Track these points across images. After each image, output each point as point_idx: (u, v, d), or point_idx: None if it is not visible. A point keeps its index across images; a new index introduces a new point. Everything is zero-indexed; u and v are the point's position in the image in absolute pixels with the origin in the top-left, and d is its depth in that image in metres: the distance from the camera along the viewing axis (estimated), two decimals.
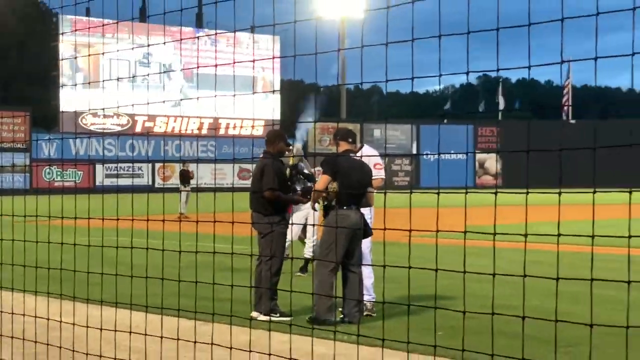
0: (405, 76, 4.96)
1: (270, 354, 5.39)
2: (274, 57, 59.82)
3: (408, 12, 5.06)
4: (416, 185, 67.64)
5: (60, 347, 7.16)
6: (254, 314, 10.76)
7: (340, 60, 70.55)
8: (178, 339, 6.06)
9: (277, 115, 71.29)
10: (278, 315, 10.88)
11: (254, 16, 6.08)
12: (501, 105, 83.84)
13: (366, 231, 10.77)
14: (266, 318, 10.48)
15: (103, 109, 63.14)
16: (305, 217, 15.51)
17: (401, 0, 4.93)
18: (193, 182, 37.26)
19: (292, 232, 15.33)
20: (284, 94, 73.98)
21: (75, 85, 61.02)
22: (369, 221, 11.05)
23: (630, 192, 4.23)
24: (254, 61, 5.65)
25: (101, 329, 6.62)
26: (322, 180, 10.69)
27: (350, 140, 11.22)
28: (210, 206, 6.05)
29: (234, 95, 5.54)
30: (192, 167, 39.45)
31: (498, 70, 4.36)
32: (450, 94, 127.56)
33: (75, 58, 60.59)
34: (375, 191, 11.41)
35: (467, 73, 4.44)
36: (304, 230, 16.11)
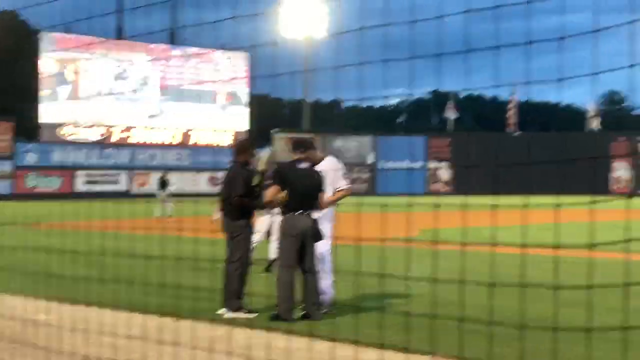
0: (365, 91, 4.99)
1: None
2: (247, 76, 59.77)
3: (367, 31, 5.08)
4: (372, 193, 67.70)
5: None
6: (222, 311, 10.74)
7: (304, 77, 70.60)
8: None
9: (245, 127, 71.24)
10: (246, 311, 10.85)
11: (224, 35, 6.06)
12: (452, 117, 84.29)
13: (316, 235, 10.72)
14: (234, 315, 10.48)
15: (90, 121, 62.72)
16: (271, 221, 15.39)
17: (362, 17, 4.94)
18: (170, 188, 37.63)
19: (257, 236, 15.29)
20: (253, 107, 73.83)
21: (56, 99, 60.53)
22: (328, 225, 11.08)
23: (557, 205, 4.26)
24: (248, 77, 5.61)
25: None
26: (270, 191, 10.84)
27: (301, 149, 11.14)
28: (183, 210, 6.03)
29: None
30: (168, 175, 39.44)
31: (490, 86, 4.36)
32: (405, 107, 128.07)
33: (56, 74, 60.22)
34: (338, 195, 11.42)
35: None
36: (267, 233, 16.04)
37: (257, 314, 10.36)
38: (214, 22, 5.67)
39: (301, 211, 10.69)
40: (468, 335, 5.24)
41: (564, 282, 4.58)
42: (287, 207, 10.68)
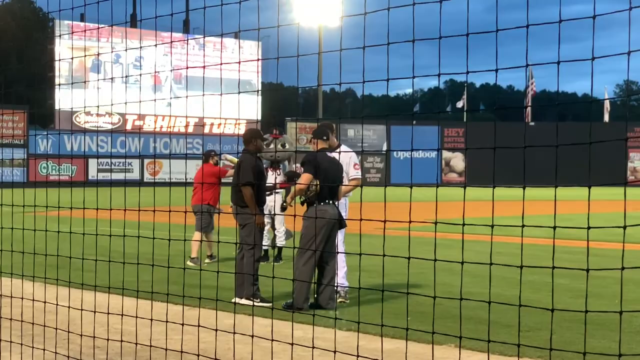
0: (379, 80, 4.96)
1: (252, 336, 5.37)
2: (258, 60, 59.66)
3: (381, 21, 5.06)
4: (387, 182, 67.69)
5: (56, 329, 7.12)
6: (236, 299, 10.72)
7: (318, 64, 70.60)
8: (167, 322, 6.03)
9: (258, 115, 71.28)
10: (259, 300, 10.86)
11: (239, 23, 6.04)
12: (464, 107, 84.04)
13: (341, 223, 10.80)
14: (248, 302, 10.46)
15: (98, 107, 62.84)
16: (269, 209, 15.23)
17: (376, 8, 4.91)
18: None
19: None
20: (264, 96, 73.94)
21: (72, 84, 60.66)
22: (344, 214, 11.08)
23: (589, 188, 4.24)
24: (239, 62, 5.61)
25: (95, 312, 6.58)
26: (304, 178, 10.69)
27: (324, 137, 11.17)
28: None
29: (221, 95, 5.51)
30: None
31: (468, 72, 4.35)
32: (419, 97, 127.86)
33: (72, 58, 60.38)
34: (350, 186, 11.42)
35: (439, 75, 4.43)
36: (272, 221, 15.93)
37: (270, 303, 10.36)
38: (224, 3, 5.65)
39: (330, 200, 10.76)
40: (492, 326, 5.29)
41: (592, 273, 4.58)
42: (319, 196, 10.68)
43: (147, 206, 6.30)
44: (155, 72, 65.00)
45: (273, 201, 15.09)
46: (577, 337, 8.38)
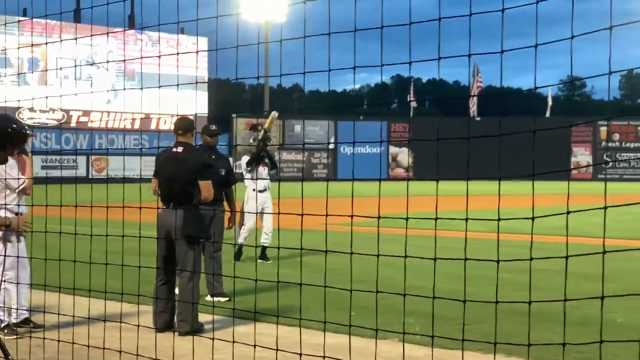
0: (324, 75, 4.90)
1: (194, 334, 5.28)
2: (197, 51, 59.38)
3: (326, 18, 5.00)
4: (334, 178, 67.77)
5: None
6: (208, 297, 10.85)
7: (264, 60, 70.41)
8: (105, 320, 5.92)
9: (205, 111, 70.84)
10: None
11: (182, 17, 5.95)
12: (412, 103, 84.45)
13: (188, 233, 8.91)
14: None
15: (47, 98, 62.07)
16: (262, 206, 14.99)
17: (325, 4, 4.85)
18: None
19: (250, 221, 14.95)
20: (211, 91, 73.58)
21: (16, 83, 59.73)
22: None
23: (532, 182, 4.22)
24: (177, 54, 5.52)
25: (30, 310, 6.45)
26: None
27: (179, 132, 9.63)
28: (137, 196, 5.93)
29: (159, 87, 5.41)
30: None
31: (410, 62, 4.31)
32: (366, 93, 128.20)
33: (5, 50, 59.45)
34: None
35: (382, 66, 4.38)
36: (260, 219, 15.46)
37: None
38: None
39: (170, 204, 9.26)
40: (435, 321, 5.27)
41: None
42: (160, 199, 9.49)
43: (85, 203, 6.17)
44: (93, 64, 64.33)
45: (262, 200, 14.80)
46: (519, 329, 8.42)
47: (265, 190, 15.09)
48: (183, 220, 8.81)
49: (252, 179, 14.81)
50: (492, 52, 3.99)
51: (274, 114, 15.56)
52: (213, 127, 11.96)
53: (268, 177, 15.31)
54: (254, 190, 14.85)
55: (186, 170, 9.05)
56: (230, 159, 16.37)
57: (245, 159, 15.15)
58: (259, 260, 14.80)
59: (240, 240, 14.84)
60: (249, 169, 15.02)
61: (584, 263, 5.00)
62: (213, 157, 11.30)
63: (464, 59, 4.92)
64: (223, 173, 11.45)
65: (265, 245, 15.27)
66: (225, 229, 11.49)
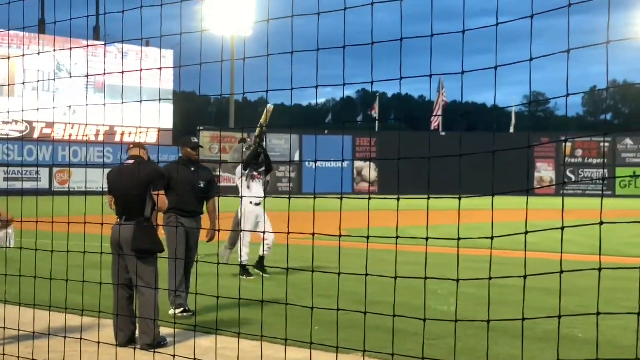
0: (289, 89, 4.92)
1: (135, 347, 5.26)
2: (160, 68, 59.13)
3: (290, 31, 5.02)
4: (298, 192, 67.79)
5: None
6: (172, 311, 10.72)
7: (230, 74, 70.32)
8: (19, 330, 5.88)
9: (170, 124, 70.68)
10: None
11: (151, 31, 5.94)
12: (375, 116, 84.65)
13: (139, 247, 8.80)
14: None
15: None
16: (257, 219, 14.77)
17: (283, 15, 4.88)
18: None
19: (248, 237, 14.61)
20: (176, 104, 73.40)
21: None
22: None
23: (492, 200, 4.26)
24: (141, 70, 5.51)
25: None
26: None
27: (130, 146, 9.67)
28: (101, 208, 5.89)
29: (122, 103, 5.40)
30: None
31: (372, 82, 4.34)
32: (331, 107, 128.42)
33: None
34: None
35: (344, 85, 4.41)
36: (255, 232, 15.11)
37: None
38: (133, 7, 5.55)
39: (124, 218, 9.21)
40: (397, 336, 5.29)
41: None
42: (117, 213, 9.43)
43: (47, 216, 6.13)
44: (55, 79, 63.91)
45: (256, 214, 14.59)
46: (481, 344, 8.46)
47: (260, 203, 14.87)
48: (134, 234, 8.76)
49: (248, 193, 14.56)
50: (453, 72, 4.03)
51: (269, 107, 15.52)
52: (194, 139, 11.86)
53: (263, 195, 14.88)
54: (250, 203, 14.66)
55: (137, 183, 8.97)
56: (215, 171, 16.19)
57: (240, 169, 14.99)
58: (241, 277, 14.20)
59: (244, 259, 14.25)
60: (246, 172, 14.88)
61: (546, 278, 5.05)
62: (192, 169, 11.27)
63: (428, 74, 4.97)
64: (202, 185, 11.34)
65: (266, 255, 14.76)
66: (204, 242, 11.30)
